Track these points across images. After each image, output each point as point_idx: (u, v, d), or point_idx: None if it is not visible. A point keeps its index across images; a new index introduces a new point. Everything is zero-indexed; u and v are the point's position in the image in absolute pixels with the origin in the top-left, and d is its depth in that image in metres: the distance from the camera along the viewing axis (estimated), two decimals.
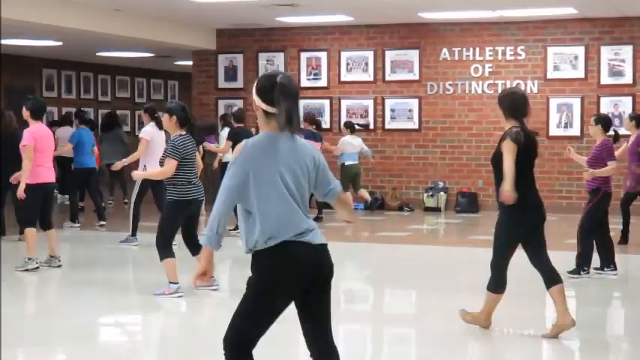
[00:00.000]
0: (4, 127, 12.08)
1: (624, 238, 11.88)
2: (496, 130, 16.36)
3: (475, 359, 6.78)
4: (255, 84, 4.25)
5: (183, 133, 8.24)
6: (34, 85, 21.94)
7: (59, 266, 9.87)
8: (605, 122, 9.50)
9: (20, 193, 9.50)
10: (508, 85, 16.16)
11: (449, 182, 16.62)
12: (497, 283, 6.85)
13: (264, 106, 4.16)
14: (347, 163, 15.37)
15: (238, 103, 17.49)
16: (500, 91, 7.16)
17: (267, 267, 4.13)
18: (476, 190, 16.47)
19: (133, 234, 11.77)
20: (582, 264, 9.41)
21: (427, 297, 8.78)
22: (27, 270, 9.58)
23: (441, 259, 11.16)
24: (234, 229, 11.12)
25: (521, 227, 6.75)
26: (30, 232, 9.62)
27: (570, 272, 9.36)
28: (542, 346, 6.92)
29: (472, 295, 8.66)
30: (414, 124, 16.73)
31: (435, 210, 16.24)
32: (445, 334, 7.09)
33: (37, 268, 9.65)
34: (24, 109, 9.67)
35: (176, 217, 8.27)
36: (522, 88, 16.11)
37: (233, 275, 9.82)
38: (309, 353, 4.33)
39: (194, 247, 8.34)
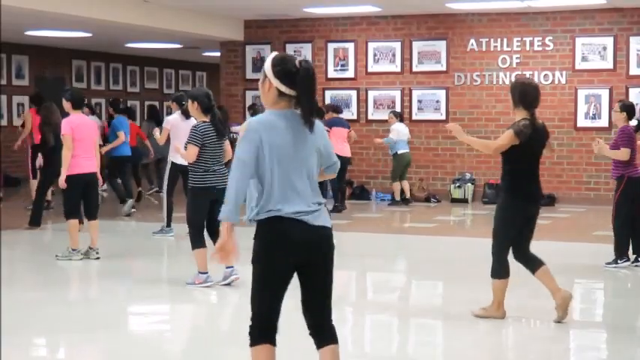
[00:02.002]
0: (45, 119, 12.31)
1: None
2: None
3: (500, 349, 6.79)
4: (271, 63, 4.34)
5: (207, 120, 8.24)
6: (65, 76, 22.11)
7: (97, 259, 9.84)
8: (629, 110, 9.48)
9: (61, 183, 9.61)
10: (536, 76, 16.11)
11: (476, 173, 16.59)
12: (499, 270, 6.99)
13: (283, 87, 4.30)
14: (400, 151, 15.50)
15: None
16: (513, 80, 7.22)
17: (263, 238, 4.29)
18: None
19: (168, 225, 11.83)
20: (619, 254, 9.40)
21: (453, 288, 8.80)
22: (70, 260, 9.69)
23: (468, 251, 11.16)
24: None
25: (518, 215, 6.90)
26: (72, 223, 9.68)
27: (608, 263, 9.38)
28: (567, 334, 6.93)
29: None
30: (441, 115, 16.71)
31: (462, 201, 16.23)
32: (471, 325, 7.11)
33: (81, 259, 9.75)
34: (64, 101, 9.78)
35: (197, 204, 8.26)
36: (550, 79, 16.07)
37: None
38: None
39: (215, 237, 8.29)
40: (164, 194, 11.83)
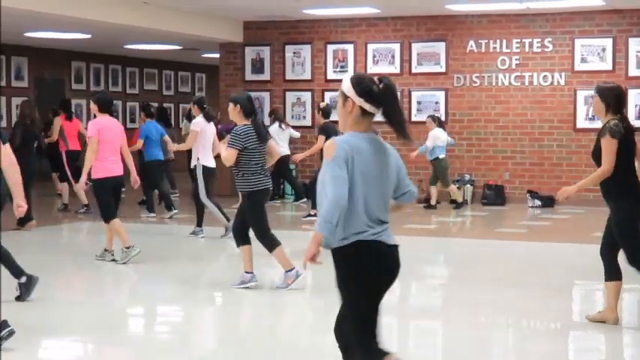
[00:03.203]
0: (29, 117, 12.36)
1: None
2: (522, 122, 16.33)
3: (499, 352, 6.79)
4: (351, 83, 4.33)
5: (248, 123, 8.21)
6: (64, 78, 22.12)
7: (113, 260, 9.82)
8: None
9: (81, 184, 9.60)
10: (535, 78, 16.13)
11: (475, 175, 16.59)
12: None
13: (367, 106, 4.29)
14: (441, 156, 15.39)
15: (265, 96, 17.57)
16: (598, 85, 7.03)
17: (353, 262, 4.29)
18: (502, 183, 16.44)
19: (199, 225, 11.91)
20: None
21: (453, 290, 8.80)
22: (128, 260, 9.69)
23: (468, 252, 11.17)
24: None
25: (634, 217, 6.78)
26: (115, 223, 9.65)
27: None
28: (567, 335, 6.94)
29: (499, 288, 8.68)
30: (440, 117, 16.69)
31: (462, 202, 16.22)
32: (470, 327, 7.11)
33: (139, 252, 9.76)
34: (91, 104, 9.81)
35: (259, 206, 8.20)
36: (549, 80, 16.08)
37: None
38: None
39: (243, 240, 8.27)
40: (204, 199, 11.58)
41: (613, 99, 6.83)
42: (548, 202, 15.87)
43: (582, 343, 6.93)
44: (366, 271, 4.30)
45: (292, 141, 16.25)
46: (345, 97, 4.33)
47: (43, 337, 6.82)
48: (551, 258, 10.15)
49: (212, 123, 11.69)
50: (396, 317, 7.73)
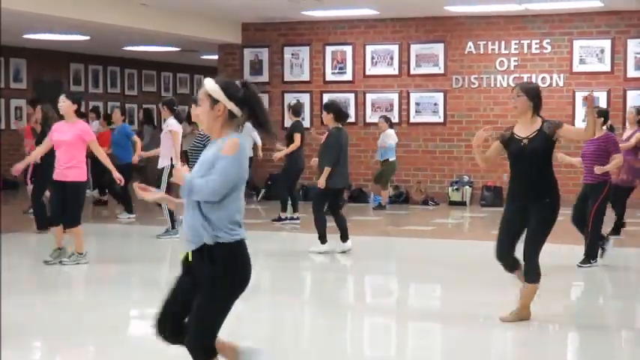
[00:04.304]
0: (53, 118, 12.44)
1: (616, 230, 11.77)
2: None
3: (498, 353, 6.79)
4: (220, 87, 4.43)
5: None
6: (62, 79, 22.12)
7: (86, 263, 9.87)
8: (606, 116, 9.77)
9: (117, 175, 9.67)
10: (533, 79, 16.13)
11: (474, 176, 16.60)
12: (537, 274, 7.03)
13: (236, 109, 4.42)
14: (391, 158, 15.46)
15: (264, 98, 17.56)
16: (523, 85, 7.19)
17: (241, 259, 4.47)
18: (501, 184, 16.43)
19: (173, 227, 11.85)
20: (592, 254, 9.60)
21: (451, 292, 8.80)
22: (75, 264, 9.71)
23: (466, 254, 11.17)
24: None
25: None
26: (80, 228, 9.70)
27: (581, 263, 9.55)
28: (566, 336, 6.94)
29: (496, 290, 8.69)
30: (439, 118, 16.73)
31: (460, 204, 16.24)
32: (468, 328, 7.11)
33: (86, 262, 9.78)
34: (66, 101, 9.62)
35: None
36: (548, 81, 16.09)
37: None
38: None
39: None
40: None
41: (538, 99, 6.99)
42: None
43: (582, 343, 6.93)
44: (239, 269, 4.45)
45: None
46: (215, 101, 4.42)
47: (37, 337, 6.82)
48: (549, 259, 10.13)
49: (181, 125, 11.78)
50: (395, 319, 7.73)
